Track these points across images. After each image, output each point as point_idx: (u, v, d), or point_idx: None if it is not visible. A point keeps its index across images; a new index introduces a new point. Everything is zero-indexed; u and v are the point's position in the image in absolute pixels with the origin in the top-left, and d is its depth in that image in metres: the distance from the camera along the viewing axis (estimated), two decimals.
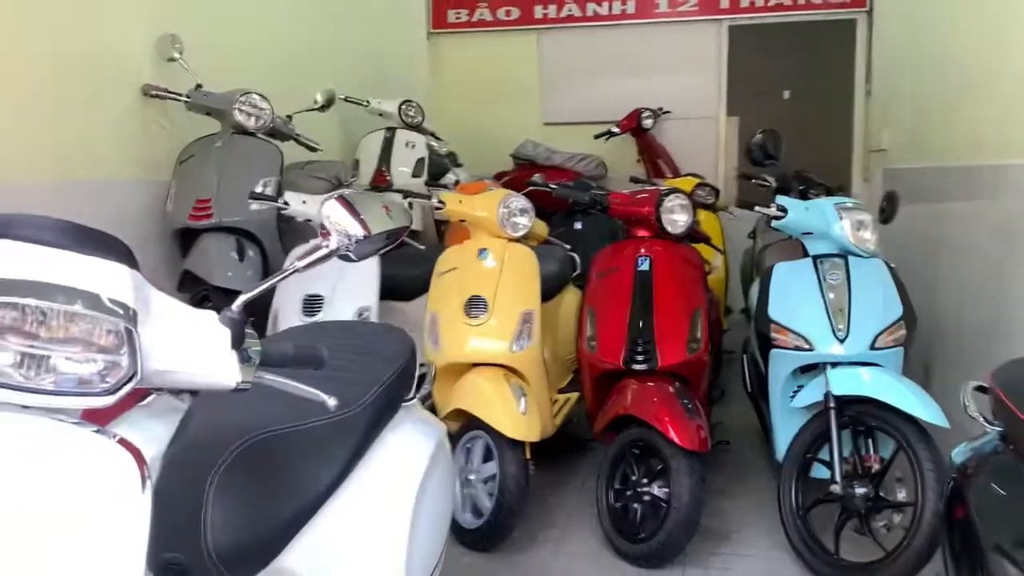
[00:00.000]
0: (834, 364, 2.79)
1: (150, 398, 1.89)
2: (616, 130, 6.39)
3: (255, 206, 3.33)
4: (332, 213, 1.31)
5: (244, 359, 1.15)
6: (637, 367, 2.94)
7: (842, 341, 2.78)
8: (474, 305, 3.01)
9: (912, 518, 2.51)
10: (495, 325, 2.99)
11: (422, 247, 3.68)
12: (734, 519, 3.14)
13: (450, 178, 5.16)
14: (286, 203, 3.24)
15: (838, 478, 2.64)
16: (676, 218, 3.18)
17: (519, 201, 3.20)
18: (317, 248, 1.31)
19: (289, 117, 3.92)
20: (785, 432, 2.94)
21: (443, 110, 6.62)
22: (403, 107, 5.14)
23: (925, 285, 3.71)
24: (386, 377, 1.70)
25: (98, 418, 1.05)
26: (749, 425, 3.75)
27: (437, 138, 5.34)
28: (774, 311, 2.95)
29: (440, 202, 3.21)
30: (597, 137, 6.42)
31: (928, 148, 4.39)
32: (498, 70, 6.97)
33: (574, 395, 3.53)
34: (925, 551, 2.45)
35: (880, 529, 2.64)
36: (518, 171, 6.16)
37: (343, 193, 1.34)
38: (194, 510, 1.29)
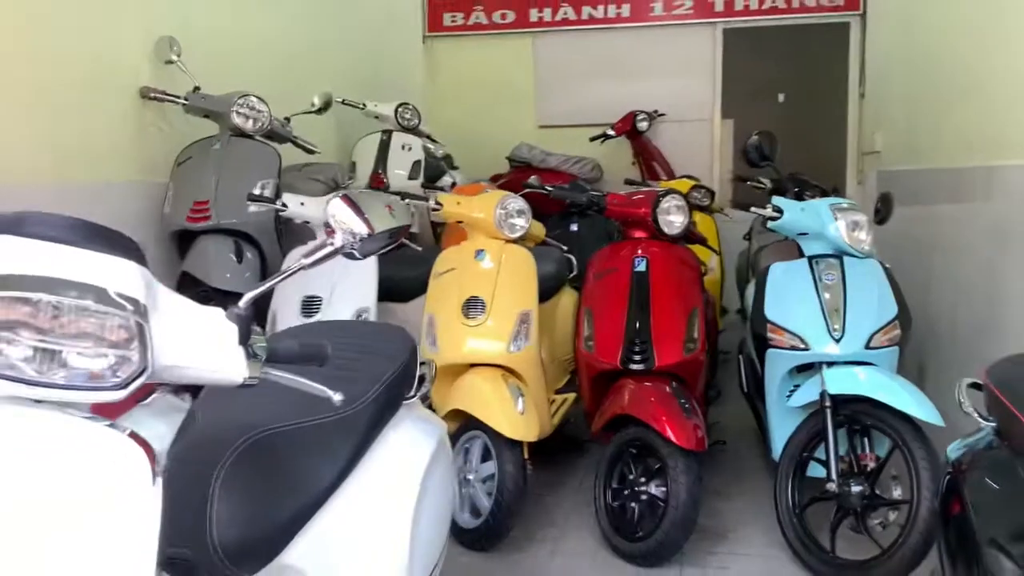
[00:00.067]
0: (830, 363, 2.82)
1: (151, 397, 1.90)
2: (611, 133, 6.41)
3: (253, 208, 3.34)
4: (337, 212, 1.33)
5: (250, 355, 1.16)
6: (634, 367, 2.96)
7: (838, 341, 2.81)
8: (472, 306, 3.02)
9: (907, 516, 2.53)
10: (493, 326, 3.00)
11: (419, 248, 3.69)
12: (731, 518, 3.16)
13: (446, 180, 5.17)
14: (284, 205, 3.25)
15: (834, 476, 2.66)
16: (672, 219, 3.20)
17: (516, 202, 3.22)
18: (323, 246, 1.33)
19: (287, 119, 3.93)
20: (781, 431, 2.96)
21: (439, 113, 6.64)
22: (399, 110, 5.15)
23: (919, 285, 3.74)
24: (388, 375, 1.71)
25: (104, 414, 1.06)
26: (745, 425, 3.77)
27: (433, 141, 5.35)
28: (770, 311, 2.98)
29: (438, 203, 3.23)
30: (592, 140, 6.44)
31: (921, 150, 4.42)
32: (493, 73, 6.98)
33: (571, 396, 3.55)
34: (921, 548, 2.48)
35: (876, 527, 2.67)
36: (514, 173, 6.16)
37: (347, 192, 1.36)
38: (200, 506, 1.30)
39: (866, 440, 2.78)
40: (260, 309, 3.17)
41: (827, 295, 2.89)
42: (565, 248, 3.88)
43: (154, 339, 1.01)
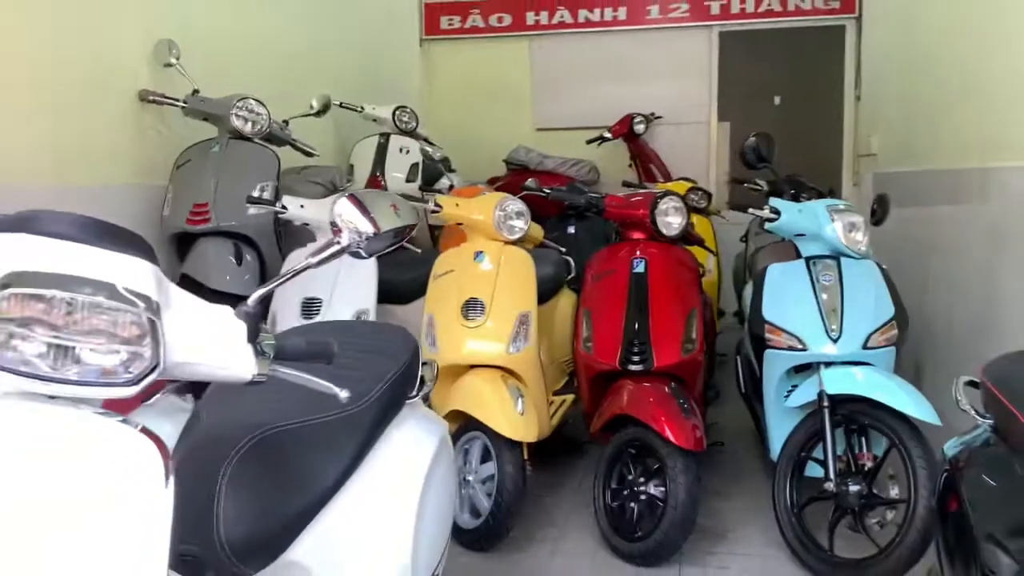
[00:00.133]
0: (827, 364, 2.84)
1: (155, 397, 1.91)
2: (608, 135, 6.43)
3: (253, 210, 3.35)
4: (343, 211, 1.35)
5: (259, 352, 1.17)
6: (633, 368, 2.97)
7: (835, 341, 2.83)
8: (471, 307, 3.04)
9: (905, 514, 2.55)
10: (492, 327, 3.02)
11: (419, 251, 3.70)
12: (730, 519, 3.18)
13: (444, 183, 5.18)
14: (284, 207, 3.26)
15: (832, 476, 2.68)
16: (671, 220, 3.22)
17: (515, 204, 3.23)
18: (330, 245, 1.35)
19: (286, 122, 3.95)
20: (779, 431, 2.98)
21: (436, 116, 6.66)
22: (397, 113, 5.16)
23: (916, 286, 3.76)
24: (391, 374, 1.72)
25: (113, 411, 1.07)
26: (743, 427, 3.79)
27: (431, 143, 5.35)
28: (768, 312, 3.00)
29: (437, 205, 3.24)
30: (589, 142, 6.46)
31: (917, 152, 4.45)
32: (490, 76, 7.00)
33: (569, 397, 3.56)
34: (918, 546, 2.49)
35: (873, 526, 2.68)
36: (511, 176, 6.18)
37: (354, 192, 1.38)
38: (207, 503, 1.32)
39: (863, 440, 2.80)
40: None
41: (824, 296, 2.91)
42: (563, 250, 3.89)
43: (166, 336, 1.03)
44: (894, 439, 2.64)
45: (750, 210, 3.12)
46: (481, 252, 3.16)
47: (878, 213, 3.22)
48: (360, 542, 1.58)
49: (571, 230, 4.78)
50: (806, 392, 2.86)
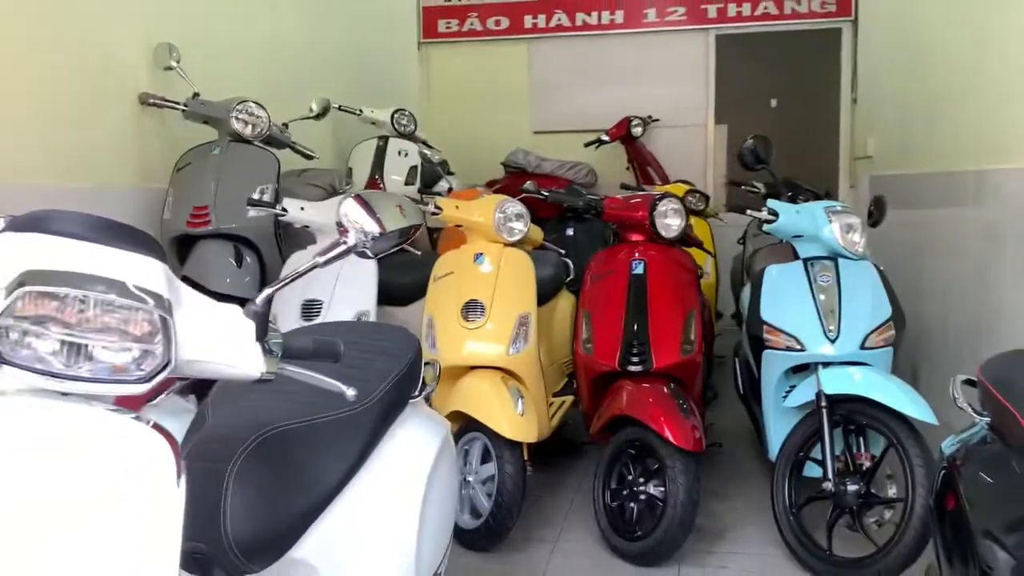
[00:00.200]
0: (825, 364, 2.86)
1: (159, 398, 1.93)
2: (606, 138, 6.45)
3: (253, 212, 3.36)
4: (350, 211, 1.37)
5: (267, 351, 1.19)
6: (632, 368, 2.99)
7: (833, 341, 2.85)
8: (471, 309, 3.05)
9: (903, 513, 2.57)
10: (492, 329, 3.03)
11: (418, 253, 3.71)
12: (729, 519, 3.19)
13: (443, 186, 5.17)
14: (284, 209, 3.28)
15: (830, 476, 2.70)
16: (669, 222, 3.23)
17: (515, 206, 3.25)
18: (336, 245, 1.37)
19: (285, 125, 3.96)
20: (778, 431, 3.00)
21: (434, 119, 6.68)
22: (395, 116, 5.18)
23: (912, 287, 3.79)
24: (395, 374, 1.74)
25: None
26: (742, 428, 3.80)
27: (429, 146, 5.38)
28: (766, 313, 3.02)
29: (437, 207, 3.25)
30: (587, 145, 6.47)
31: (913, 154, 4.47)
32: (488, 79, 7.03)
33: (569, 398, 3.57)
34: (916, 545, 2.51)
35: (871, 525, 2.70)
36: (509, 179, 6.20)
37: (360, 192, 1.40)
38: (215, 501, 1.33)
39: (861, 439, 2.82)
40: None
41: (822, 296, 2.93)
42: (562, 252, 3.91)
43: (177, 334, 1.04)
44: (892, 439, 2.66)
45: (749, 212, 3.14)
46: (481, 254, 3.18)
47: (875, 215, 3.24)
48: (364, 540, 1.59)
49: (570, 232, 4.79)
50: (804, 392, 2.88)
